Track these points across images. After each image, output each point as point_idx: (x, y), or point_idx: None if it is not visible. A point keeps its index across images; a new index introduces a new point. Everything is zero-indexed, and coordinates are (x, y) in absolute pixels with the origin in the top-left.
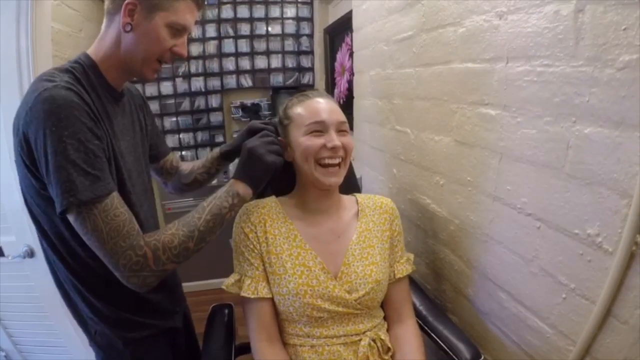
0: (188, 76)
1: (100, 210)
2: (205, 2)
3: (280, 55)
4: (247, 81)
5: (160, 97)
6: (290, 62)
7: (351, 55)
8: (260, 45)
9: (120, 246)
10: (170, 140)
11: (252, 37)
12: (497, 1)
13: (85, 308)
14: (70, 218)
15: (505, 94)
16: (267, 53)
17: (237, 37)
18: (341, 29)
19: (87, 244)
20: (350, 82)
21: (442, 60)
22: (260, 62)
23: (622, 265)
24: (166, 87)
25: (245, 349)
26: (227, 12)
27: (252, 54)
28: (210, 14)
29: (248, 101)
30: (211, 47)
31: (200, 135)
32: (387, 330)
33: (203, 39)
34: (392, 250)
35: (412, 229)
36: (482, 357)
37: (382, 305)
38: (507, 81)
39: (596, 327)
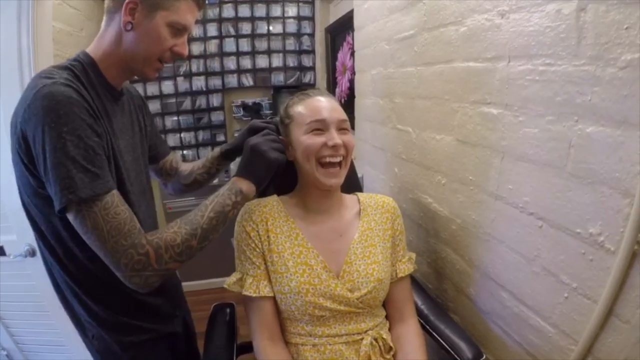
0: (189, 75)
1: (101, 208)
2: (206, 2)
3: (281, 55)
4: (248, 80)
5: (161, 96)
6: (291, 61)
7: (352, 54)
8: (262, 45)
9: (122, 245)
10: (172, 140)
11: (253, 36)
12: (499, 0)
13: (83, 311)
14: (70, 216)
15: (507, 93)
16: (269, 52)
17: (238, 36)
18: (342, 28)
19: (86, 243)
20: (351, 81)
21: (443, 59)
22: (262, 61)
23: (624, 265)
24: (167, 86)
25: (247, 348)
26: (228, 11)
27: (253, 53)
28: (212, 13)
29: (249, 100)
30: (212, 46)
31: (201, 135)
32: (389, 330)
33: (204, 38)
34: (394, 249)
35: (413, 228)
36: (484, 357)
37: (384, 305)
38: (509, 80)
39: (598, 326)
